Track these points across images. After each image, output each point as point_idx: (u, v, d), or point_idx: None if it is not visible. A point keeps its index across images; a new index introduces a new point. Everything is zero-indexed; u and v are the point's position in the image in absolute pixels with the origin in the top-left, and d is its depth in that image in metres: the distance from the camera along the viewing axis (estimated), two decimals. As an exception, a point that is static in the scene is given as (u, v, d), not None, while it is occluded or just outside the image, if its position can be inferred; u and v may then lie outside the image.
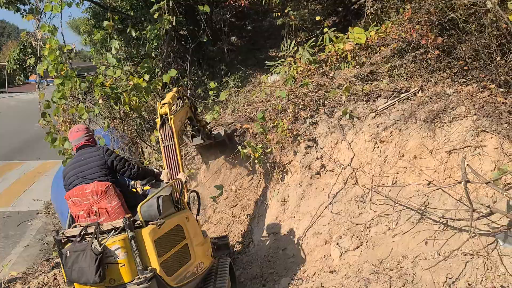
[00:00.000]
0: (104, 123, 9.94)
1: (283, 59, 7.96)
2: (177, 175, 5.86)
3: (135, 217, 4.55)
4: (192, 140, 7.64)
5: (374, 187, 6.37)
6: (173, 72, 9.72)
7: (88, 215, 4.69)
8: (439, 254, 5.31)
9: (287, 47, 7.99)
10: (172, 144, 5.95)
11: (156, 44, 12.44)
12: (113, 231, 4.43)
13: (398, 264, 5.52)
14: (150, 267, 4.38)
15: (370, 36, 7.43)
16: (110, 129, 10.26)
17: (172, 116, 6.04)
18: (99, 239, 4.35)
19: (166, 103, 6.17)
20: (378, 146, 6.59)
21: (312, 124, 7.36)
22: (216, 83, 11.06)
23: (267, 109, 8.09)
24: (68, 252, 4.41)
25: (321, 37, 7.88)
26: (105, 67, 10.07)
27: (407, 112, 6.55)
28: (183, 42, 14.43)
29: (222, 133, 8.16)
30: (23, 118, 20.22)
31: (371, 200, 6.33)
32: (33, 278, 7.48)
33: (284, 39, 8.35)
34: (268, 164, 7.83)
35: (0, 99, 26.51)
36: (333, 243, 6.29)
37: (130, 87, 9.46)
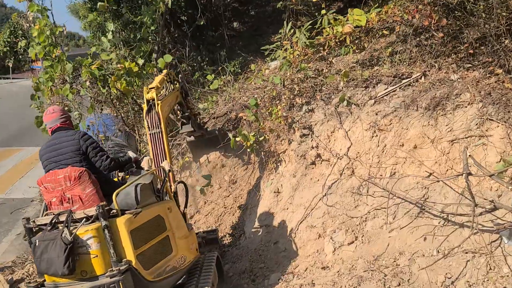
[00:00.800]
0: (99, 108, 9.66)
1: (279, 43, 7.54)
2: (168, 163, 5.55)
3: (111, 205, 4.24)
4: (181, 127, 7.26)
5: (371, 178, 5.99)
6: (168, 57, 9.34)
7: (60, 202, 4.39)
8: (438, 252, 4.93)
9: (284, 30, 7.56)
10: (159, 132, 5.63)
11: (153, 28, 12.07)
12: (86, 219, 4.12)
13: (394, 261, 5.16)
14: (125, 259, 4.07)
15: (371, 19, 6.99)
16: (103, 115, 9.98)
17: (159, 102, 5.72)
18: (71, 228, 4.04)
19: (154, 87, 5.84)
20: (377, 135, 6.20)
21: (308, 111, 6.97)
22: (213, 73, 10.69)
23: (263, 96, 7.70)
24: (37, 241, 4.12)
25: (320, 19, 7.44)
26: (95, 48, 9.72)
27: (408, 99, 6.14)
28: (183, 28, 14.05)
29: (216, 130, 7.83)
30: (23, 105, 19.93)
31: (367, 192, 5.95)
32: (21, 268, 7.24)
33: (285, 23, 7.91)
34: (262, 153, 7.47)
35: (2, 85, 26.26)
36: (326, 237, 5.94)
37: (122, 70, 9.12)
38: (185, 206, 5.79)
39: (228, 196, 7.52)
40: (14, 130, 16.55)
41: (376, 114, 6.30)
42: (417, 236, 5.28)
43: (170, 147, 5.65)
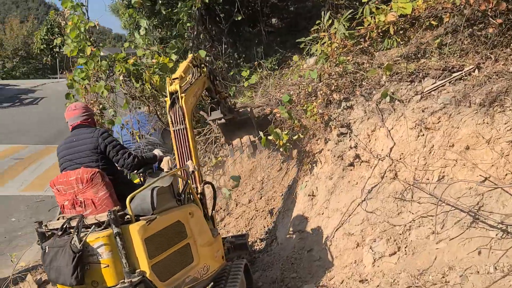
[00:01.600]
0: (134, 105, 9.46)
1: (316, 35, 7.00)
2: (193, 163, 5.16)
3: (126, 210, 3.86)
4: (210, 113, 6.75)
5: (417, 182, 5.38)
6: (202, 53, 9.01)
7: (73, 206, 4.09)
8: (496, 269, 4.29)
9: (322, 21, 7.01)
10: (183, 128, 5.17)
11: (189, 24, 11.80)
12: (97, 225, 3.78)
13: (443, 277, 4.55)
14: (138, 270, 3.69)
15: (417, 6, 6.34)
16: (138, 112, 9.78)
17: (183, 95, 5.21)
18: (82, 234, 3.70)
19: (177, 77, 5.35)
20: (423, 134, 5.58)
21: (347, 108, 6.42)
22: (248, 69, 10.28)
23: (299, 91, 7.19)
24: (47, 247, 3.81)
25: (361, 9, 6.86)
26: (128, 44, 9.52)
27: (459, 94, 5.48)
28: (220, 25, 13.73)
29: (248, 111, 7.31)
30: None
31: (412, 198, 5.35)
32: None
33: (322, 13, 7.36)
34: (296, 153, 6.98)
35: (49, 85, 26.91)
36: (365, 247, 5.39)
37: (155, 65, 8.87)
38: (213, 209, 5.38)
39: (260, 198, 7.07)
40: (56, 129, 16.77)
41: (423, 111, 5.68)
42: (470, 249, 4.65)
43: (197, 145, 5.22)
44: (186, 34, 11.81)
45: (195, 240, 4.45)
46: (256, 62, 10.15)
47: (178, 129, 5.18)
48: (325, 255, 5.72)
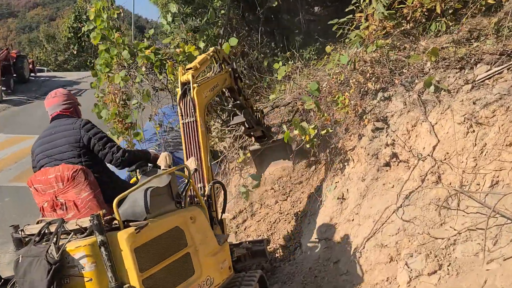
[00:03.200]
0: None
1: (350, 16, 6.15)
2: (196, 160, 4.55)
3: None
4: (232, 118, 6.19)
5: (464, 188, 4.51)
6: (234, 41, 8.39)
7: (52, 208, 3.58)
8: (562, 301, 3.40)
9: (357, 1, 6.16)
10: (193, 121, 4.63)
11: (223, 12, 11.21)
12: (78, 232, 3.22)
13: (494, 305, 3.70)
14: (127, 285, 3.10)
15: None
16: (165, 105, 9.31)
17: (195, 85, 4.70)
18: (60, 242, 3.14)
19: (192, 67, 4.86)
20: (474, 131, 4.69)
21: (384, 99, 5.59)
22: (286, 60, 9.59)
23: (330, 80, 6.40)
24: (20, 256, 3.27)
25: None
26: (153, 31, 9.03)
27: (520, 82, 4.56)
28: (256, 11, 13.06)
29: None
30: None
31: (458, 206, 4.48)
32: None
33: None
34: (327, 150, 6.21)
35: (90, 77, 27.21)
36: (400, 262, 4.58)
37: (180, 55, 8.32)
38: (223, 211, 4.75)
39: (285, 200, 6.36)
40: (96, 122, 16.71)
41: (474, 103, 4.79)
42: (530, 272, 3.76)
43: (208, 141, 4.63)
44: (219, 21, 11.22)
45: (196, 249, 3.80)
46: (288, 53, 9.40)
47: (188, 122, 4.64)
48: (353, 269, 4.95)
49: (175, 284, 3.51)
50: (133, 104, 8.65)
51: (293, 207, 6.23)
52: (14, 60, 20.84)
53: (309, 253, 5.53)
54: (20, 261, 3.23)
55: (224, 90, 5.75)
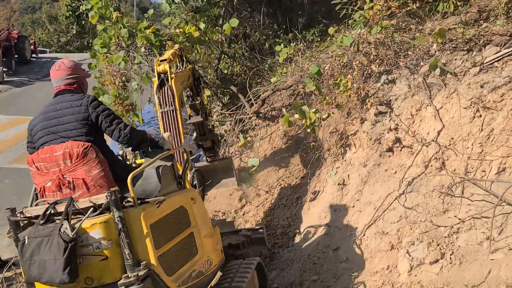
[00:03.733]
0: None
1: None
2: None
3: (125, 193, 3.24)
4: (189, 117, 6.06)
5: (470, 175, 4.35)
6: (234, 21, 8.19)
7: (58, 187, 3.36)
8: None
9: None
10: (172, 110, 4.71)
11: (225, -10, 10.92)
12: (92, 209, 3.09)
13: (498, 297, 3.57)
14: (144, 262, 3.04)
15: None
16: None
17: (173, 76, 4.81)
18: (73, 221, 3.06)
19: (166, 59, 4.94)
20: (481, 115, 4.51)
21: (388, 82, 5.40)
22: (284, 41, 9.38)
23: (333, 63, 6.19)
24: (26, 238, 3.11)
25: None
26: (153, 11, 8.82)
27: (530, 65, 4.36)
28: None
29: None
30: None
31: (462, 193, 4.33)
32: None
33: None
34: (329, 135, 6.05)
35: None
36: (401, 250, 4.45)
37: (180, 36, 8.12)
38: (202, 200, 4.68)
39: (285, 186, 6.22)
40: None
41: (482, 86, 4.60)
42: (536, 263, 3.62)
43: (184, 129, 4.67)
44: (220, 2, 10.95)
45: (199, 229, 3.80)
46: (291, 34, 9.17)
47: (167, 111, 4.72)
48: (353, 256, 4.83)
49: (182, 263, 3.52)
50: (133, 86, 8.49)
51: (293, 192, 6.10)
52: (16, 41, 20.60)
53: (309, 239, 5.41)
54: (26, 242, 3.11)
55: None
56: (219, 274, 4.24)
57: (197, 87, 5.80)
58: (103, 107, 3.58)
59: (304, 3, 12.47)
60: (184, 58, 5.70)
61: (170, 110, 4.68)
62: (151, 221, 3.14)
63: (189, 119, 5.98)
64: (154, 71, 8.49)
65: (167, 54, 5.24)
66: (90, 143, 3.34)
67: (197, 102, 5.67)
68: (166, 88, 4.75)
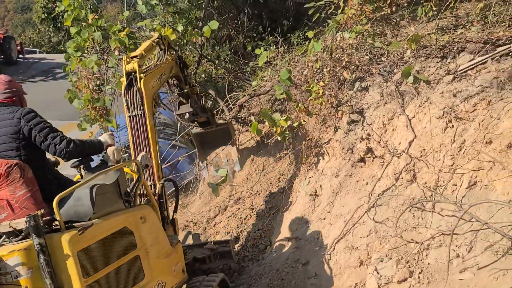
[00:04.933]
0: None
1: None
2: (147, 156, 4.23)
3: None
4: (178, 107, 5.96)
5: (441, 188, 4.17)
6: (214, 24, 7.94)
7: None
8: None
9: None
10: (141, 114, 4.31)
11: (207, -7, 10.69)
12: (12, 235, 2.86)
13: (465, 320, 3.38)
14: None
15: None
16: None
17: (142, 75, 4.38)
18: None
19: (137, 55, 4.52)
20: (453, 126, 4.33)
21: (361, 89, 5.21)
22: (266, 45, 9.19)
23: (305, 69, 5.99)
24: None
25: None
26: (128, 13, 8.60)
27: (504, 74, 4.19)
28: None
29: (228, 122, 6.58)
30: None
31: (433, 208, 4.15)
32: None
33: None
34: (302, 143, 5.85)
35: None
36: (370, 267, 4.26)
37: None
38: (175, 211, 4.45)
39: (257, 195, 6.02)
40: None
41: (455, 95, 4.42)
42: (506, 284, 3.43)
43: (156, 135, 4.34)
44: (202, 3, 10.72)
45: (147, 251, 3.51)
46: (271, 37, 8.97)
47: (135, 115, 4.32)
48: (322, 272, 4.64)
49: None
50: (107, 90, 8.26)
51: (265, 202, 5.90)
52: (1, 41, 20.29)
53: (279, 253, 5.22)
54: None
55: (169, 79, 5.44)
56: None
57: (184, 76, 5.53)
58: (38, 120, 3.37)
59: (289, 6, 12.28)
60: (165, 46, 5.26)
61: (138, 114, 4.29)
62: (78, 248, 2.86)
63: (178, 108, 5.94)
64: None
65: (140, 49, 4.78)
66: (15, 162, 3.15)
67: (185, 90, 5.52)
68: (134, 89, 4.33)
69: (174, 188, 4.56)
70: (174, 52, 5.37)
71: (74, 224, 2.94)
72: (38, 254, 2.72)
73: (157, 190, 4.15)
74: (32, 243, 2.73)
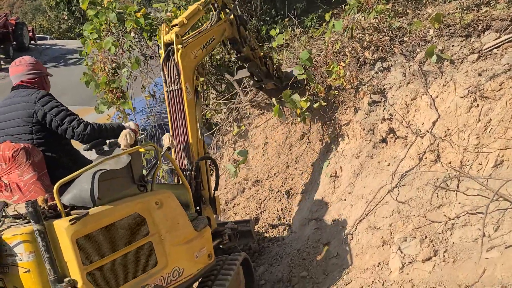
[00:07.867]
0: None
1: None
2: (182, 137, 4.14)
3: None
4: (236, 72, 5.51)
5: (466, 168, 4.13)
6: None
7: None
8: None
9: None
10: (177, 89, 4.10)
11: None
12: (16, 218, 2.95)
13: (493, 299, 3.37)
14: (67, 279, 2.79)
15: None
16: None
17: (179, 47, 4.06)
18: (4, 226, 2.90)
19: (177, 24, 4.18)
20: (478, 105, 4.27)
21: (382, 70, 5.15)
22: (281, 27, 9.10)
23: (325, 49, 5.94)
24: None
25: None
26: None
27: (531, 52, 4.11)
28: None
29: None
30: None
31: (458, 187, 4.12)
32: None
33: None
34: (321, 124, 5.83)
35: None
36: (393, 246, 4.25)
37: (172, 20, 7.86)
38: (215, 189, 4.38)
39: (276, 176, 6.02)
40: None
41: (480, 74, 4.36)
42: (533, 263, 3.42)
43: (198, 111, 4.08)
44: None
45: (161, 237, 3.38)
46: (286, 19, 8.88)
47: (172, 90, 4.12)
48: (344, 252, 4.64)
49: (132, 276, 3.16)
50: (123, 72, 8.25)
51: (284, 184, 5.89)
52: (14, 28, 20.35)
53: (299, 233, 5.23)
54: None
55: (225, 41, 5.06)
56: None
57: (242, 37, 5.07)
58: (53, 104, 3.35)
59: (302, -13, 12.17)
60: (219, 6, 4.76)
61: (175, 90, 4.06)
62: (78, 235, 2.83)
63: (236, 73, 5.49)
64: (144, 55, 8.30)
65: (183, 15, 4.37)
66: (22, 145, 3.17)
67: (243, 53, 5.10)
68: (172, 63, 4.02)
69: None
70: (228, 11, 4.90)
71: (71, 212, 2.93)
72: (37, 240, 2.73)
73: (193, 167, 4.06)
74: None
